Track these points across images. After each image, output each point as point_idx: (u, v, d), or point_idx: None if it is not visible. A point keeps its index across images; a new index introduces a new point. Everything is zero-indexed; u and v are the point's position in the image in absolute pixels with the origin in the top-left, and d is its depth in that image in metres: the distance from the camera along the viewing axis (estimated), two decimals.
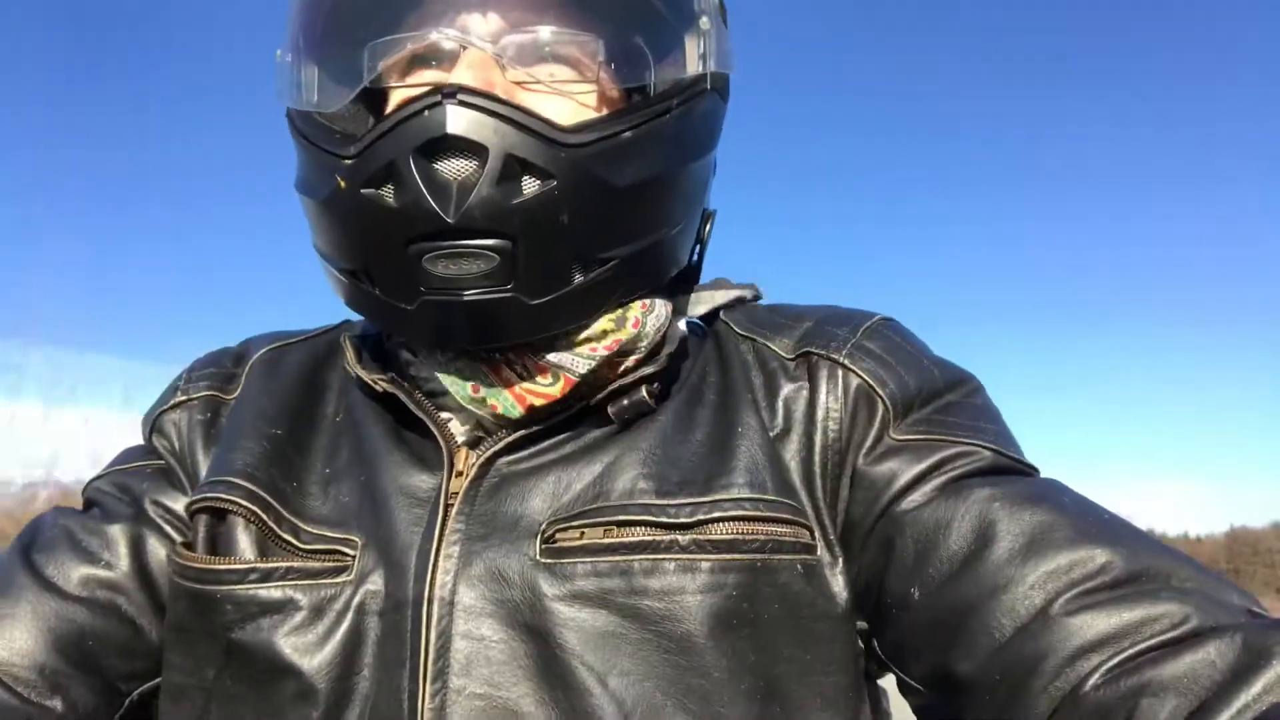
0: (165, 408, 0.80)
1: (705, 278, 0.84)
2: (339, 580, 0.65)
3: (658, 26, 0.73)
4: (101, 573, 0.71)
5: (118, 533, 0.73)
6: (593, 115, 0.68)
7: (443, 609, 0.62)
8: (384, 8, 0.71)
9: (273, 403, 0.76)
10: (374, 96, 0.74)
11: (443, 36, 0.68)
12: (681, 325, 0.76)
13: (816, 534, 0.66)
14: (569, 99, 0.68)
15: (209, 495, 0.69)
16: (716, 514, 0.63)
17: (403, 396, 0.70)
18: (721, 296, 0.81)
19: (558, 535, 0.64)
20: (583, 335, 0.69)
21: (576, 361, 0.68)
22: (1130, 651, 0.54)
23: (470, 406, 0.69)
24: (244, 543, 0.67)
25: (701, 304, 0.80)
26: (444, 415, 0.71)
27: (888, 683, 0.71)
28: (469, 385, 0.69)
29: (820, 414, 0.69)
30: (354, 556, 0.66)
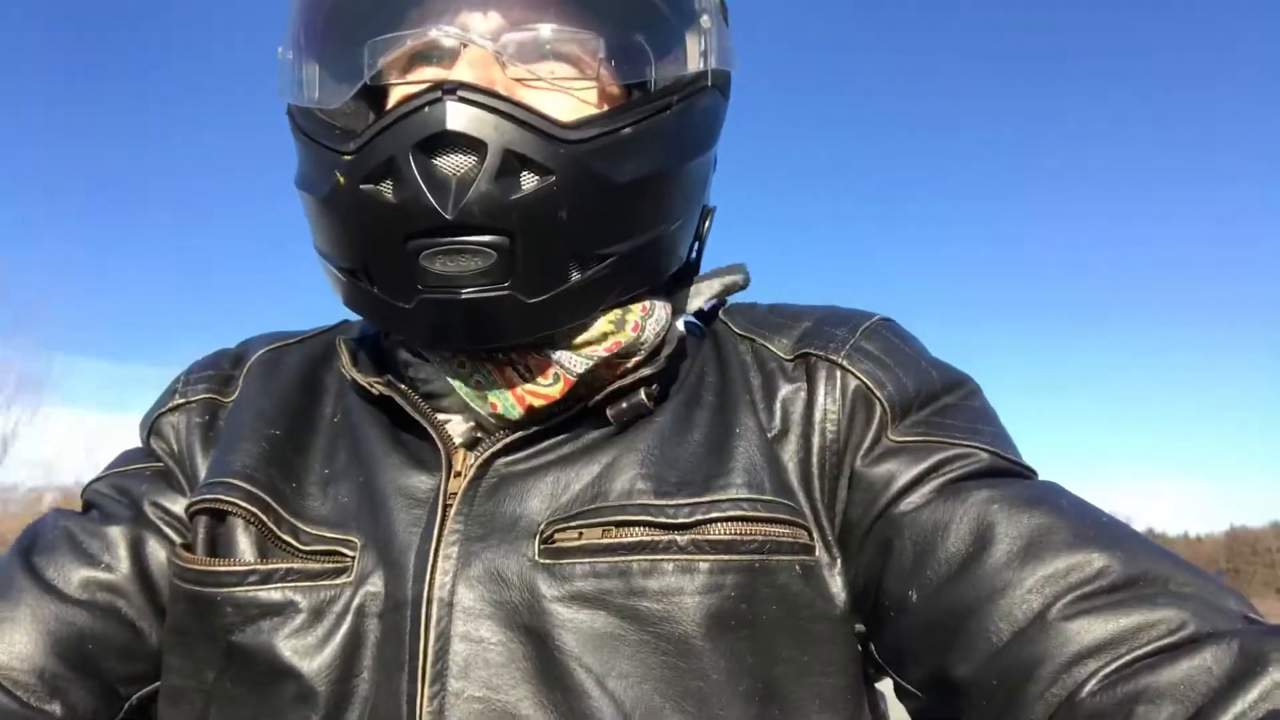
0: (163, 410, 0.79)
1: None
2: (338, 582, 0.65)
3: (658, 24, 0.73)
4: (101, 575, 0.71)
5: (117, 535, 0.73)
6: (593, 112, 0.68)
7: (441, 610, 0.62)
8: (385, 5, 0.71)
9: (271, 404, 0.76)
10: (374, 93, 0.73)
11: (443, 34, 0.68)
12: (680, 325, 0.76)
13: (814, 535, 0.66)
14: (569, 96, 0.68)
15: (208, 497, 0.69)
16: (715, 514, 0.63)
17: (399, 399, 0.70)
18: (717, 285, 0.80)
19: (556, 536, 0.64)
20: (582, 337, 0.69)
21: (575, 361, 0.68)
22: (1127, 658, 0.54)
23: (473, 404, 0.69)
24: (244, 544, 0.67)
25: (698, 296, 0.80)
26: (441, 416, 0.71)
27: (885, 687, 0.71)
28: (470, 384, 0.69)
29: (818, 415, 0.69)
30: (353, 557, 0.66)
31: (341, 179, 0.64)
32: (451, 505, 0.66)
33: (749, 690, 0.61)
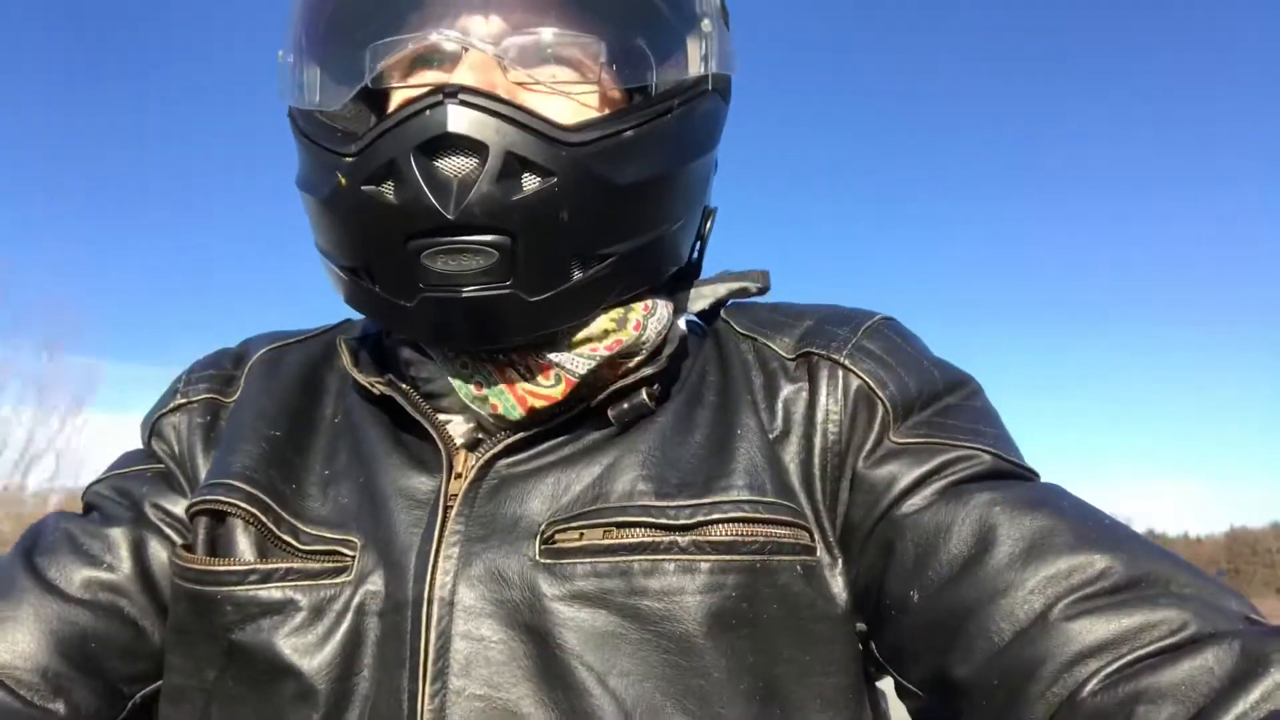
0: (164, 411, 0.79)
1: (705, 275, 0.83)
2: (338, 581, 0.65)
3: (659, 28, 0.73)
4: (103, 575, 0.71)
5: (118, 535, 0.73)
6: (594, 115, 0.68)
7: (442, 609, 0.62)
8: (386, 9, 0.71)
9: (272, 404, 0.76)
10: (375, 96, 0.73)
11: (444, 38, 0.68)
12: (681, 324, 0.76)
13: (816, 536, 0.66)
14: (570, 99, 0.68)
15: (208, 498, 0.69)
16: (716, 515, 0.63)
17: (400, 399, 0.70)
18: (724, 289, 0.80)
19: (557, 536, 0.64)
20: (583, 335, 0.69)
21: (577, 362, 0.68)
22: (1129, 658, 0.54)
23: (473, 405, 0.69)
24: (243, 544, 0.67)
25: (703, 298, 0.80)
26: (442, 417, 0.71)
27: (886, 686, 0.71)
28: (472, 384, 0.69)
29: (820, 416, 0.69)
30: (353, 557, 0.66)
31: (343, 180, 0.64)
32: (452, 506, 0.66)
33: (750, 689, 0.61)
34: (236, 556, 0.67)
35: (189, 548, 0.69)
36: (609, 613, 0.61)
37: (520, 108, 0.63)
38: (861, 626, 0.67)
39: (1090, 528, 0.61)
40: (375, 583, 0.64)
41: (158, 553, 0.73)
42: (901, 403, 0.69)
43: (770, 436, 0.69)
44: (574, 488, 0.66)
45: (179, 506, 0.74)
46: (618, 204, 0.66)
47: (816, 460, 0.68)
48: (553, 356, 0.68)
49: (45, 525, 0.76)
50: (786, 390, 0.71)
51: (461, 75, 0.65)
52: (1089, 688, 0.54)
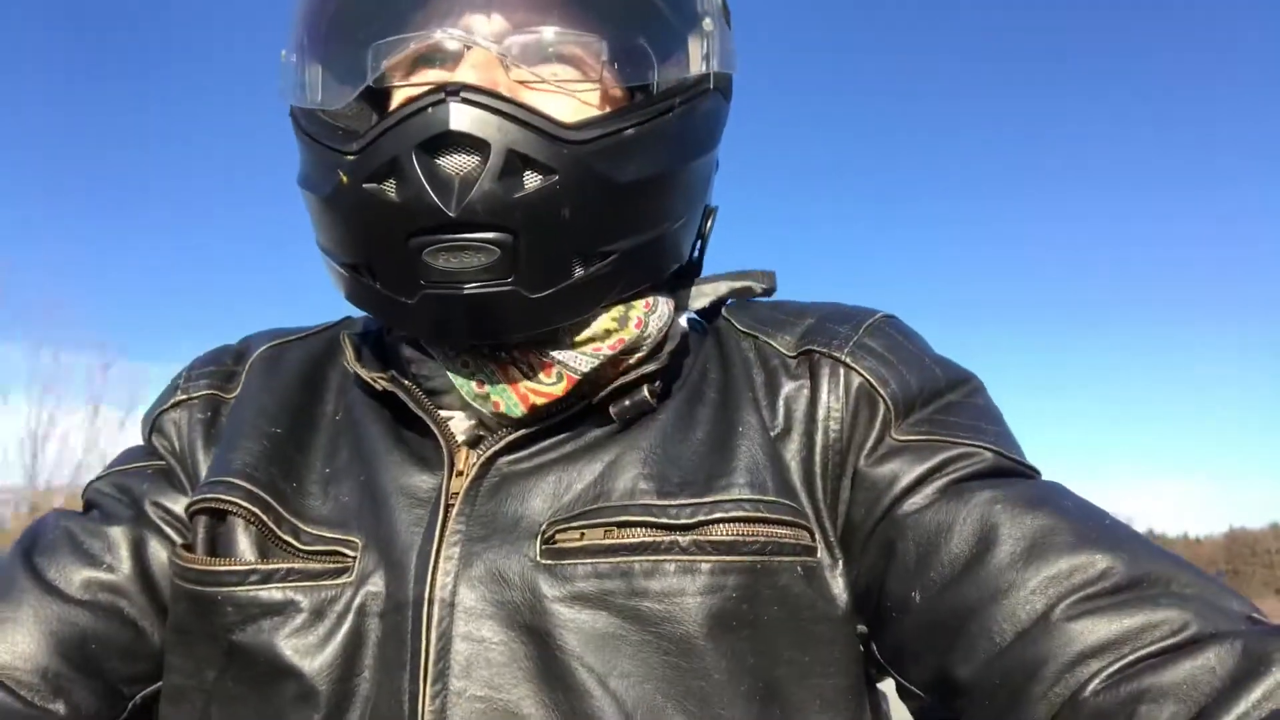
0: (165, 407, 0.79)
1: (705, 274, 0.83)
2: (339, 581, 0.65)
3: (661, 27, 0.73)
4: (103, 575, 0.71)
5: (119, 535, 0.73)
6: (595, 114, 0.68)
7: (443, 610, 0.62)
8: (388, 8, 0.71)
9: (273, 401, 0.76)
10: (377, 95, 0.73)
11: (446, 36, 0.68)
12: (683, 321, 0.76)
13: (817, 535, 0.66)
14: (572, 98, 0.68)
15: (208, 496, 0.69)
16: (717, 515, 0.63)
17: (402, 395, 0.70)
18: (725, 287, 0.80)
19: (558, 536, 0.64)
20: (585, 335, 0.69)
21: (580, 360, 0.68)
22: (1130, 658, 0.54)
23: (474, 403, 0.69)
24: (244, 543, 0.67)
25: (704, 296, 0.80)
26: (444, 414, 0.71)
27: (887, 687, 0.71)
28: (474, 381, 0.69)
29: (821, 413, 0.69)
30: (354, 557, 0.66)
31: (344, 178, 0.64)
32: (453, 505, 0.66)
33: (750, 690, 0.61)
34: (237, 556, 0.67)
35: (189, 547, 0.69)
36: (610, 614, 0.61)
37: (522, 106, 0.63)
38: (862, 628, 0.67)
39: (1091, 527, 0.61)
40: (376, 583, 0.64)
41: (157, 552, 0.73)
42: (903, 400, 0.69)
43: (771, 434, 0.69)
44: (575, 486, 0.66)
45: (179, 504, 0.74)
46: (619, 202, 0.66)
47: (818, 458, 0.68)
48: (555, 354, 0.68)
49: (45, 524, 0.76)
50: (788, 388, 0.71)
51: (464, 73, 0.65)
52: (1091, 688, 0.54)
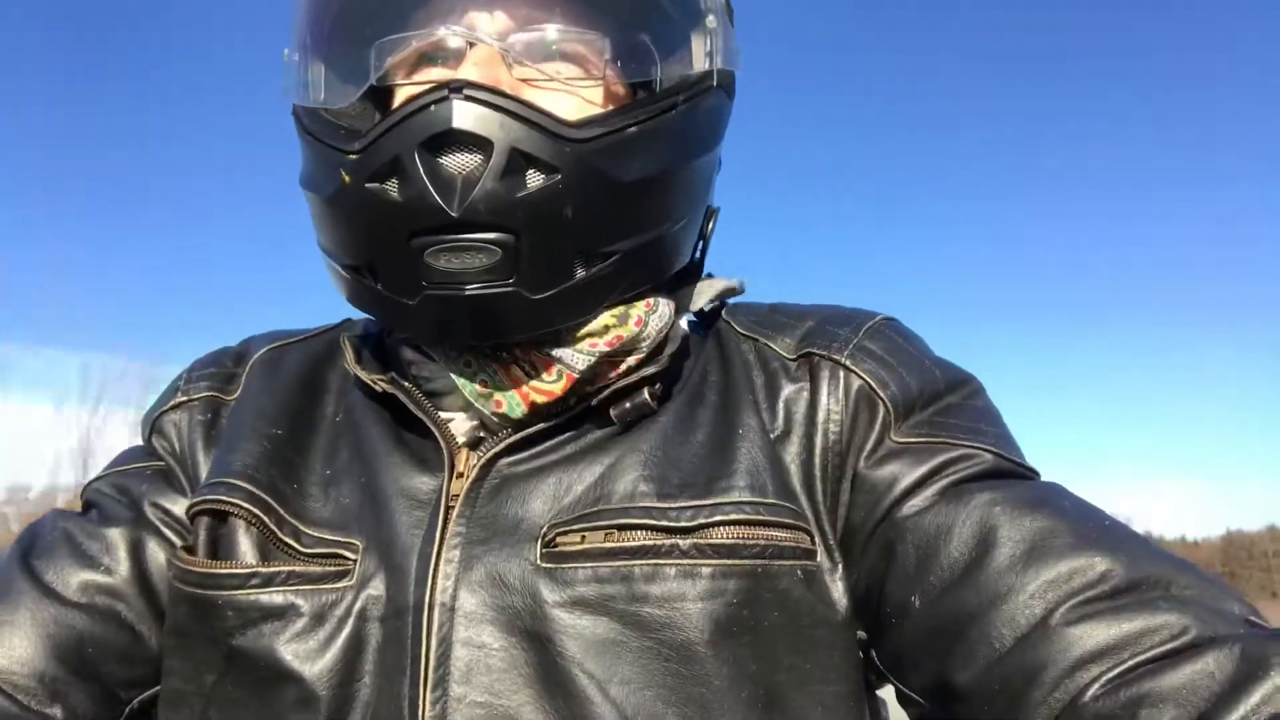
0: (165, 408, 0.79)
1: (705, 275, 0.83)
2: (340, 585, 0.65)
3: (664, 24, 0.72)
4: (101, 578, 0.71)
5: (117, 536, 0.72)
6: (598, 112, 0.68)
7: (443, 615, 0.62)
8: (390, 6, 0.71)
9: (273, 402, 0.76)
10: (380, 94, 0.73)
11: (449, 33, 0.68)
12: (683, 324, 0.76)
13: (816, 539, 0.66)
14: (575, 96, 0.68)
15: (209, 497, 0.68)
16: (717, 517, 0.63)
17: (402, 397, 0.70)
18: (722, 284, 0.80)
19: (558, 539, 0.64)
20: (584, 331, 0.68)
21: (577, 358, 0.68)
22: (1130, 663, 0.54)
23: (477, 403, 0.69)
24: (245, 546, 0.67)
25: (702, 295, 0.79)
26: (444, 415, 0.71)
27: (887, 694, 0.71)
28: (476, 382, 0.68)
29: (821, 416, 0.69)
30: (355, 560, 0.65)
31: (347, 178, 0.64)
32: (454, 507, 0.66)
33: (751, 697, 0.61)
34: (238, 559, 0.67)
35: (189, 549, 0.68)
36: (610, 620, 0.61)
37: (525, 103, 0.63)
38: (862, 634, 0.66)
39: (1091, 529, 0.61)
40: (377, 587, 0.64)
41: (156, 555, 0.72)
42: (903, 402, 0.69)
43: (771, 436, 0.69)
44: (576, 488, 0.66)
45: (178, 505, 0.74)
46: (622, 201, 0.66)
47: (817, 460, 0.68)
48: (555, 352, 0.68)
49: (43, 525, 0.75)
50: (787, 390, 0.71)
51: (466, 71, 0.65)
52: (1090, 693, 0.54)
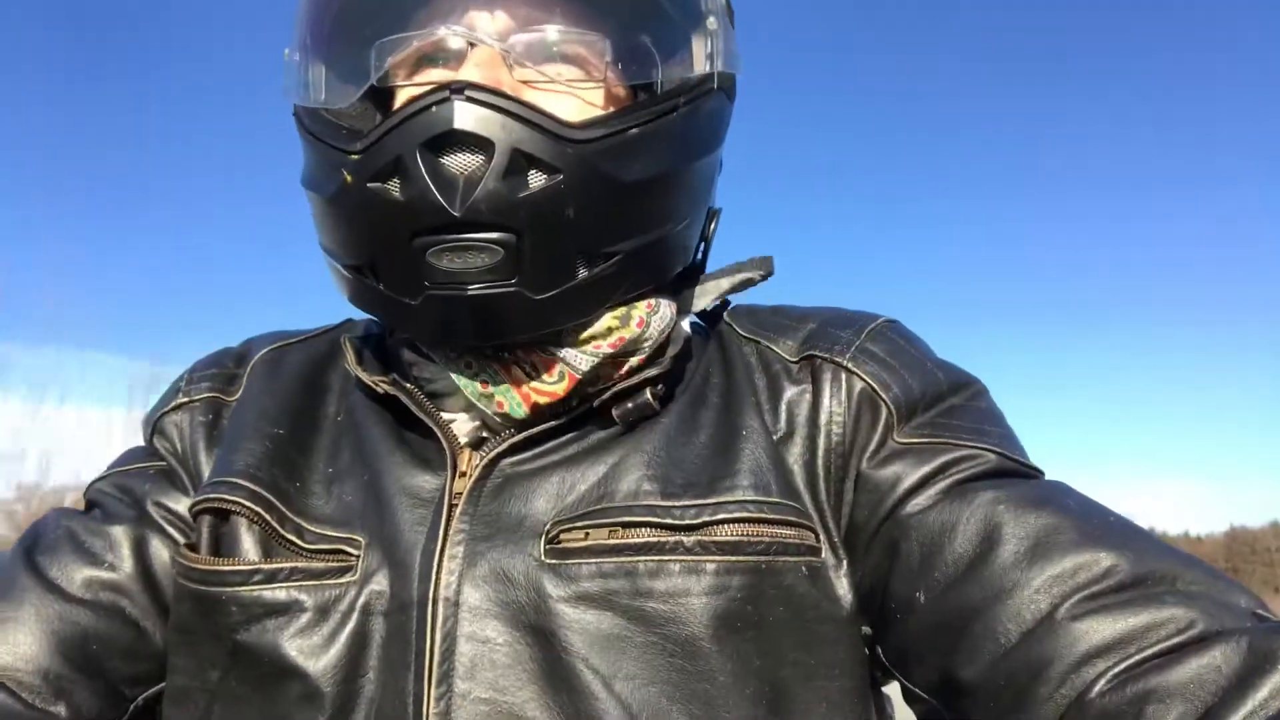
0: (167, 409, 0.79)
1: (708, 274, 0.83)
2: (343, 581, 0.65)
3: (665, 26, 0.73)
4: (105, 575, 0.71)
5: (120, 534, 0.72)
6: (599, 113, 0.68)
7: (448, 609, 0.62)
8: (391, 6, 0.71)
9: (275, 403, 0.76)
10: (381, 95, 0.73)
11: (450, 34, 0.68)
12: (685, 325, 0.76)
13: (820, 537, 0.66)
14: (576, 97, 0.68)
15: (212, 496, 0.68)
16: (721, 515, 0.63)
17: (404, 398, 0.70)
18: (727, 283, 0.80)
19: (562, 536, 0.64)
20: (587, 333, 0.69)
21: (580, 359, 0.68)
22: (1136, 657, 0.54)
23: (478, 404, 0.69)
24: (248, 543, 0.67)
25: (706, 294, 0.80)
26: (446, 416, 0.71)
27: (892, 691, 0.71)
28: (477, 382, 0.68)
29: (823, 417, 0.69)
30: (358, 556, 0.65)
31: (349, 178, 0.64)
32: (457, 505, 0.66)
33: (756, 692, 0.61)
34: (241, 556, 0.67)
35: (193, 547, 0.68)
36: (614, 615, 0.61)
37: (527, 105, 0.63)
38: (866, 630, 0.66)
39: (1095, 525, 0.61)
40: (380, 582, 0.64)
41: (159, 552, 0.72)
42: (905, 404, 0.69)
43: (774, 438, 0.69)
44: (579, 487, 0.66)
45: (181, 504, 0.74)
46: (623, 202, 0.67)
47: (820, 461, 0.68)
48: (557, 353, 0.68)
49: (46, 523, 0.75)
50: (790, 392, 0.71)
51: (468, 72, 0.65)
52: (1097, 688, 0.54)
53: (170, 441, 0.78)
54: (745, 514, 0.63)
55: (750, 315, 0.79)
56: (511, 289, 0.63)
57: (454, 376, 0.69)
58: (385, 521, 0.67)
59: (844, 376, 0.70)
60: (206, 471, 0.74)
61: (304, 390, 0.78)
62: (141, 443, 0.81)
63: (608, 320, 0.69)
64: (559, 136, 0.63)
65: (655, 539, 0.63)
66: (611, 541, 0.63)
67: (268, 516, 0.67)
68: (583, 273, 0.66)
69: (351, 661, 0.63)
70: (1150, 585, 0.57)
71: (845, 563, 0.66)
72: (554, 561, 0.63)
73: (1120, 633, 0.55)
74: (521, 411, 0.68)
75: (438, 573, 0.63)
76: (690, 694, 0.60)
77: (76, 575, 0.70)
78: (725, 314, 0.80)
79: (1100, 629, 0.55)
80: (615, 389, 0.69)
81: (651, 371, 0.69)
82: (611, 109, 0.70)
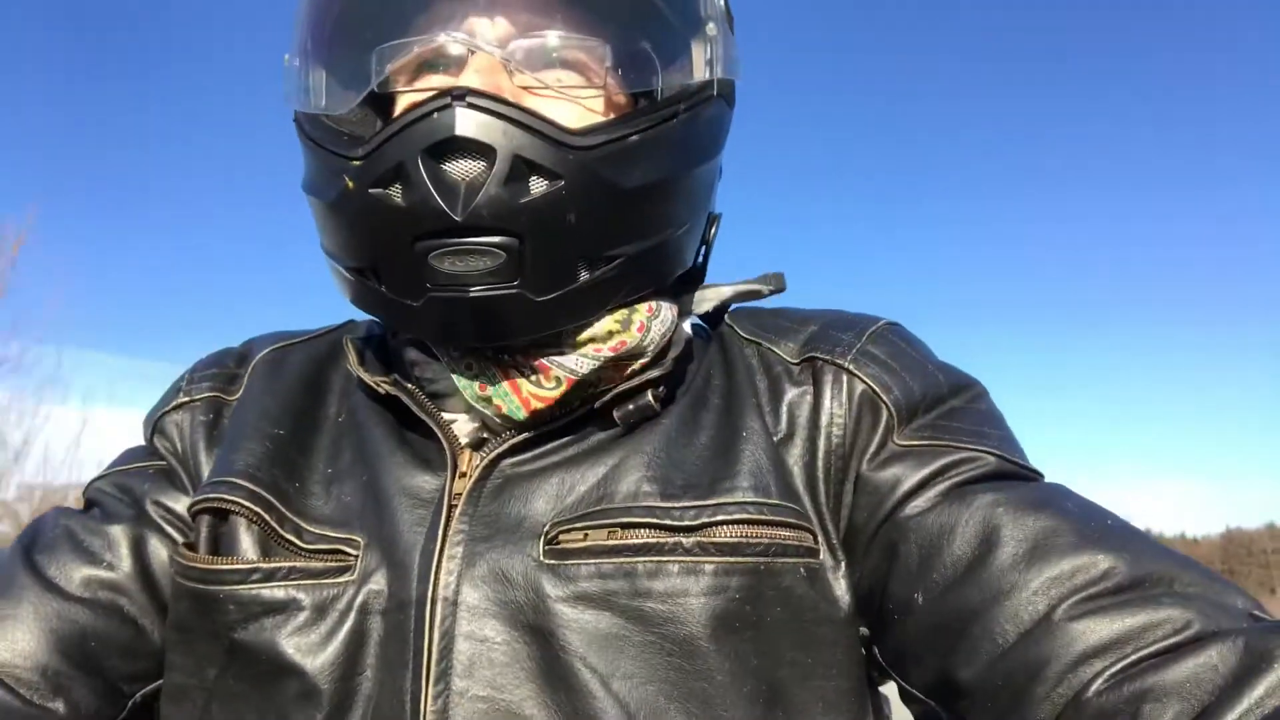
0: (167, 409, 0.79)
1: (708, 279, 0.83)
2: (341, 580, 0.65)
3: (665, 32, 0.73)
4: (103, 573, 0.71)
5: (119, 533, 0.73)
6: (600, 120, 0.68)
7: (446, 609, 0.62)
8: (392, 12, 0.71)
9: (275, 403, 0.76)
10: (381, 100, 0.73)
11: (450, 40, 0.68)
12: (686, 328, 0.76)
13: (819, 538, 0.66)
14: (575, 104, 0.68)
15: (211, 496, 0.68)
16: (720, 517, 0.63)
17: (405, 398, 0.70)
18: (729, 291, 0.81)
19: (561, 536, 0.64)
20: (587, 335, 0.69)
21: (581, 362, 0.68)
22: (1133, 657, 0.54)
23: (477, 405, 0.69)
24: (246, 543, 0.67)
25: (707, 301, 0.80)
26: (447, 416, 0.71)
27: (890, 691, 0.71)
28: (476, 384, 0.69)
29: (824, 419, 0.69)
30: (356, 556, 0.65)
31: (350, 184, 0.64)
32: (456, 506, 0.66)
33: (753, 692, 0.61)
34: (239, 555, 0.67)
35: (191, 546, 0.68)
36: (613, 614, 0.61)
37: (527, 111, 0.63)
38: (864, 631, 0.67)
39: (1094, 528, 0.61)
40: (378, 582, 0.64)
41: (158, 551, 0.73)
42: (905, 406, 0.69)
43: (774, 439, 0.69)
44: (579, 488, 0.66)
45: (180, 504, 0.74)
46: (624, 207, 0.67)
47: (820, 463, 0.68)
48: (557, 358, 0.68)
49: (45, 522, 0.75)
50: (791, 394, 0.71)
51: (468, 78, 0.65)
52: (1094, 688, 0.54)
53: (170, 441, 0.78)
54: (745, 515, 0.63)
55: (751, 317, 0.79)
56: (513, 291, 0.64)
57: (454, 377, 0.69)
58: (384, 522, 0.67)
59: (845, 378, 0.70)
60: (207, 471, 0.74)
61: (305, 390, 0.78)
62: (141, 442, 0.81)
63: (608, 323, 0.69)
64: (560, 143, 0.63)
65: (654, 540, 0.63)
66: (610, 542, 0.63)
67: (267, 517, 0.67)
68: (584, 275, 0.66)
69: (349, 659, 0.63)
70: (1147, 587, 0.57)
71: (844, 564, 0.66)
72: (553, 562, 0.63)
73: (1117, 633, 0.55)
74: (520, 414, 0.68)
75: (436, 572, 0.63)
76: (688, 693, 0.60)
77: (75, 574, 0.71)
78: (726, 316, 0.81)
79: (1097, 629, 0.55)
80: (616, 390, 0.69)
81: (653, 373, 0.69)
82: (612, 115, 0.70)
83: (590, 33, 0.70)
